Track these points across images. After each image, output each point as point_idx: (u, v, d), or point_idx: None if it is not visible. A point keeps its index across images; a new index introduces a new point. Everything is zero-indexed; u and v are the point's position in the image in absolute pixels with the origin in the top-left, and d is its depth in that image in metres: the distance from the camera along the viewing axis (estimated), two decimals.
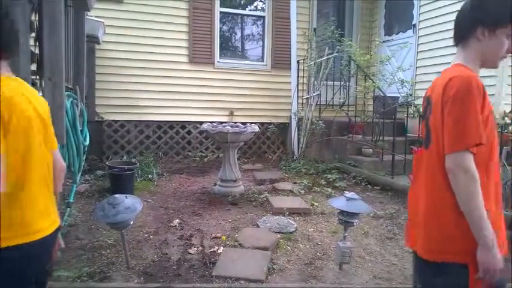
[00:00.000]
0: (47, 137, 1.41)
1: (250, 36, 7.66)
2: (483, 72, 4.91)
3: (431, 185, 1.47)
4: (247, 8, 7.83)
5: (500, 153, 4.27)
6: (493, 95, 5.32)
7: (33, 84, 2.61)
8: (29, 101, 1.31)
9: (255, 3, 7.85)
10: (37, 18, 2.75)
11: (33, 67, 2.65)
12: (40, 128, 1.35)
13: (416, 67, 6.72)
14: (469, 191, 1.30)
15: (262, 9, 7.49)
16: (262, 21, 7.41)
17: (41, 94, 2.66)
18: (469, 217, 1.31)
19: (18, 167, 1.24)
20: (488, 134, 1.36)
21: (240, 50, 7.68)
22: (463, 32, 1.48)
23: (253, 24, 7.61)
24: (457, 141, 1.32)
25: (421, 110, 5.86)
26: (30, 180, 1.29)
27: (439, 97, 1.40)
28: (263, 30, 7.38)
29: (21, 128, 1.24)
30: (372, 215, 4.18)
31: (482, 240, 1.30)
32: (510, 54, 1.49)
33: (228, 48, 7.46)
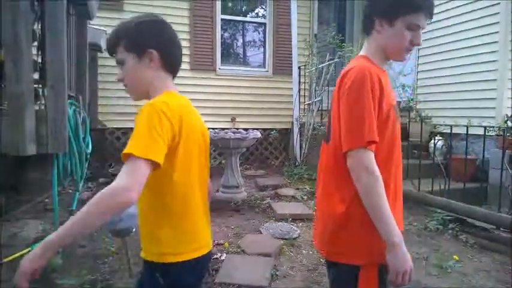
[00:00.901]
0: (206, 158, 1.41)
1: (252, 42, 7.69)
2: (484, 76, 4.91)
3: (327, 182, 1.41)
4: (248, 15, 7.87)
5: (503, 157, 4.25)
6: (494, 98, 5.31)
7: (36, 93, 2.63)
8: (197, 118, 1.34)
9: (256, 10, 7.89)
10: (39, 27, 2.78)
11: (36, 75, 2.67)
12: (202, 148, 1.36)
13: (418, 72, 6.73)
14: (372, 190, 1.23)
15: (263, 16, 7.53)
16: (263, 27, 7.45)
17: (43, 102, 2.69)
18: (374, 217, 1.25)
19: (185, 182, 1.27)
20: (388, 130, 1.33)
21: (242, 56, 7.71)
22: (365, 25, 1.45)
23: (254, 31, 7.65)
24: (354, 138, 1.26)
25: (423, 114, 5.90)
26: (196, 196, 1.32)
27: (337, 89, 1.37)
28: (264, 37, 7.41)
29: (190, 144, 1.26)
30: None
31: (389, 240, 1.24)
32: (417, 46, 1.46)
33: (229, 55, 7.49)
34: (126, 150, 1.09)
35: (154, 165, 1.10)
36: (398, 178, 1.41)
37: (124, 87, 1.33)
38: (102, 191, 1.06)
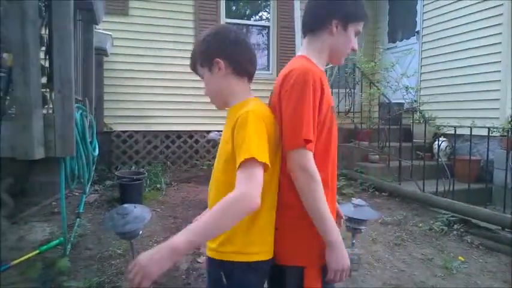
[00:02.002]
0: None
1: (256, 46, 7.72)
2: (488, 77, 4.91)
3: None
4: (252, 19, 7.91)
5: (507, 158, 4.25)
6: (498, 99, 5.31)
7: (44, 97, 2.67)
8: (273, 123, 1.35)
9: (260, 14, 7.93)
10: (47, 33, 2.82)
11: (44, 80, 2.71)
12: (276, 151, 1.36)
13: (421, 73, 6.73)
14: (310, 190, 1.23)
15: (267, 19, 7.56)
16: (267, 31, 7.48)
17: (51, 106, 2.73)
18: (313, 216, 1.25)
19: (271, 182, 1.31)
20: (325, 130, 1.34)
21: None
22: (314, 24, 1.42)
23: (258, 34, 7.69)
24: (293, 138, 1.25)
25: (426, 115, 5.89)
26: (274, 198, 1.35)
27: (277, 89, 1.36)
28: (268, 40, 7.45)
29: (273, 147, 1.29)
30: (379, 221, 4.16)
31: (327, 238, 1.26)
32: (353, 51, 1.45)
33: (222, 53, 7.51)
34: (243, 156, 1.14)
35: (266, 168, 1.18)
36: (334, 176, 1.42)
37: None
38: (229, 197, 1.11)
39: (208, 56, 1.35)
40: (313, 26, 1.43)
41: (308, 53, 1.43)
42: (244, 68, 1.38)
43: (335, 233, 1.27)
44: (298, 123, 1.25)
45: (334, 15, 1.37)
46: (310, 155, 1.25)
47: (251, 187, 1.11)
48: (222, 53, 1.34)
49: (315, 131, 1.28)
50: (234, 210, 1.10)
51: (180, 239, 1.09)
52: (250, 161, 1.13)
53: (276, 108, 1.35)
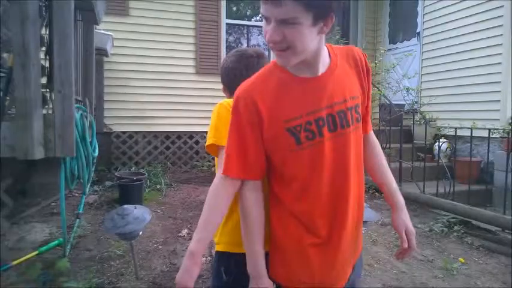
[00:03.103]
0: None
1: (256, 46, 7.72)
2: (488, 78, 4.89)
3: None
4: (252, 19, 7.91)
5: (508, 160, 4.24)
6: (498, 101, 5.30)
7: (44, 97, 2.66)
8: None
9: (261, 14, 7.93)
10: (47, 33, 2.82)
11: (44, 80, 2.71)
12: None
13: (422, 74, 6.73)
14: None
15: None
16: None
17: (51, 107, 2.73)
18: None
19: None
20: (278, 157, 1.17)
21: None
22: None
23: (258, 35, 7.69)
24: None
25: (427, 116, 5.88)
26: None
27: None
28: None
29: None
30: (380, 222, 4.16)
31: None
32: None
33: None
34: (206, 143, 1.34)
35: None
36: (320, 218, 1.18)
37: None
38: (212, 185, 1.23)
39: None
40: None
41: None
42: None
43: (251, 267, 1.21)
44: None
45: (330, 13, 1.07)
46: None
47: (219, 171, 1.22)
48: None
49: (245, 161, 1.16)
50: (209, 195, 1.22)
51: (191, 242, 1.19)
52: (217, 147, 1.30)
53: None
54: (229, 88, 1.48)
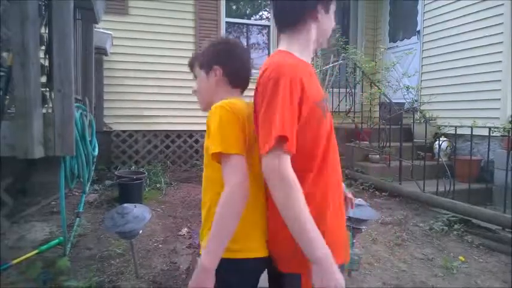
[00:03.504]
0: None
1: (256, 45, 7.72)
2: (489, 76, 4.88)
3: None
4: (252, 18, 7.90)
5: (508, 158, 4.24)
6: (498, 99, 5.30)
7: (44, 97, 2.66)
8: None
9: (260, 13, 7.92)
10: (47, 32, 2.81)
11: (43, 79, 2.70)
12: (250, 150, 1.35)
13: (422, 73, 6.73)
14: (290, 201, 1.10)
15: (267, 19, 7.56)
16: (267, 30, 7.48)
17: (51, 106, 2.72)
18: (293, 231, 1.12)
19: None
20: (311, 132, 1.21)
21: None
22: (296, 17, 1.31)
23: (258, 34, 7.68)
24: (266, 139, 1.12)
25: (427, 115, 5.89)
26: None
27: (256, 88, 1.29)
28: (268, 39, 7.44)
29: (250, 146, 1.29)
30: (380, 221, 4.16)
31: (313, 256, 1.10)
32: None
33: (222, 63, 7.51)
34: (211, 150, 1.23)
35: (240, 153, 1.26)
36: (333, 187, 1.28)
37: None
38: (222, 196, 1.18)
39: (209, 62, 1.48)
40: (295, 19, 1.31)
41: (290, 47, 1.32)
42: (238, 81, 1.52)
43: (320, 246, 1.10)
44: (270, 121, 1.13)
45: (318, 1, 1.30)
46: (287, 158, 1.12)
47: (235, 177, 1.17)
48: (221, 63, 1.47)
49: (292, 129, 1.13)
50: (230, 206, 1.16)
51: (202, 257, 1.17)
52: (223, 155, 1.20)
53: (256, 109, 1.27)
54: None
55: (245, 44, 7.66)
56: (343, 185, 1.43)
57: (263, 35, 7.61)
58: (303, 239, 1.11)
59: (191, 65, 1.56)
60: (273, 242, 1.29)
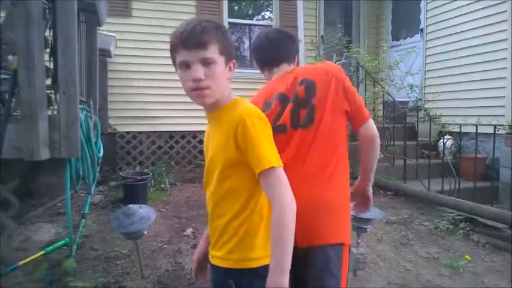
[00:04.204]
0: None
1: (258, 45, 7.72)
2: (493, 74, 4.85)
3: (321, 166, 1.55)
4: (254, 18, 7.91)
5: None
6: (503, 97, 5.27)
7: (49, 99, 2.68)
8: None
9: (263, 13, 7.92)
10: (51, 34, 2.83)
11: (48, 81, 2.72)
12: None
13: (425, 71, 6.70)
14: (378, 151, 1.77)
15: (270, 19, 7.56)
16: None
17: (56, 108, 2.74)
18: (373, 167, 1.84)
19: None
20: None
21: (249, 59, 7.74)
22: (292, 55, 1.79)
23: None
24: (366, 111, 1.65)
25: (431, 113, 5.87)
26: None
27: (329, 78, 1.60)
28: None
29: None
30: (385, 220, 4.15)
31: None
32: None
33: (236, 57, 7.52)
34: (262, 166, 1.15)
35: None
36: None
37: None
38: (280, 212, 1.13)
39: (232, 51, 1.31)
40: (292, 56, 1.79)
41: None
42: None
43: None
44: (361, 101, 1.66)
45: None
46: None
47: (286, 193, 1.15)
48: (234, 57, 1.35)
49: None
50: (289, 222, 1.12)
51: (278, 279, 1.10)
52: (272, 169, 1.15)
53: (346, 85, 1.62)
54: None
55: (248, 44, 7.68)
56: (368, 184, 1.92)
57: None
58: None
59: (205, 40, 1.20)
60: (328, 219, 1.51)
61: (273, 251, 1.13)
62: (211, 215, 1.34)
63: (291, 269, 1.14)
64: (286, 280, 1.10)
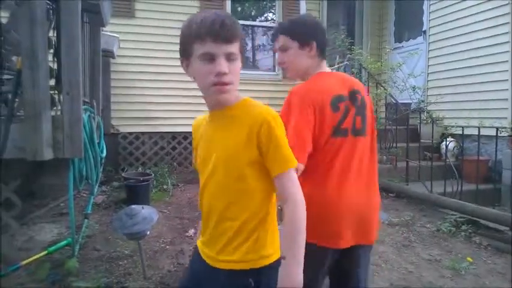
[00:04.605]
0: None
1: (261, 46, 7.73)
2: (496, 76, 4.83)
3: (372, 174, 1.68)
4: (257, 19, 7.92)
5: None
6: (506, 99, 5.27)
7: (52, 99, 2.69)
8: None
9: (266, 14, 7.94)
10: (55, 35, 2.85)
11: (52, 82, 2.73)
12: None
13: (428, 73, 6.70)
14: None
15: (273, 20, 7.57)
16: (272, 32, 7.48)
17: (59, 108, 2.75)
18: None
19: None
20: None
21: (252, 60, 7.75)
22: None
23: (263, 35, 7.69)
24: None
25: (434, 115, 5.86)
26: None
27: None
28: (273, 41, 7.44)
29: None
30: (387, 222, 4.15)
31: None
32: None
33: None
34: (287, 166, 1.19)
35: None
36: None
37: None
38: (294, 209, 1.17)
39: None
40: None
41: None
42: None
43: None
44: None
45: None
46: None
47: (299, 191, 1.19)
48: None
49: None
50: (303, 217, 1.18)
51: (295, 270, 1.15)
52: (292, 169, 1.19)
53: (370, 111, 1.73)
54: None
55: (250, 45, 7.69)
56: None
57: (268, 37, 7.61)
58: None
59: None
60: (372, 218, 1.63)
61: (288, 245, 1.18)
62: (218, 217, 1.25)
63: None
64: (301, 271, 1.15)
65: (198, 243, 1.37)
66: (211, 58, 1.15)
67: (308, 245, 1.19)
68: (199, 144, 1.36)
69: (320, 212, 1.49)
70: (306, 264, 1.17)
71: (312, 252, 1.26)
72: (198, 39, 1.15)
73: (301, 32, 1.65)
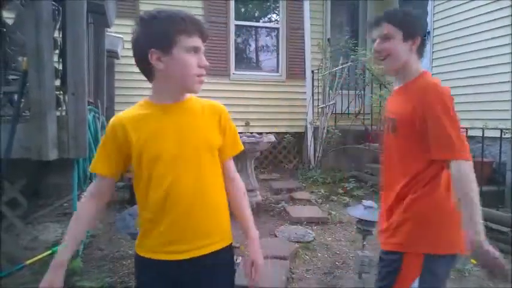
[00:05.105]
0: None
1: (265, 47, 7.74)
2: (500, 77, 4.79)
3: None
4: (261, 20, 7.93)
5: None
6: (509, 101, 5.24)
7: (58, 99, 2.71)
8: None
9: (269, 15, 7.95)
10: (60, 36, 2.87)
11: (57, 82, 2.75)
12: None
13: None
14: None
15: (276, 21, 7.58)
16: (276, 32, 7.49)
17: (64, 109, 2.77)
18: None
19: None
20: None
21: (255, 61, 7.76)
22: None
23: (267, 36, 7.70)
24: (460, 150, 1.69)
25: None
26: None
27: (417, 95, 1.66)
28: (277, 42, 7.46)
29: None
30: None
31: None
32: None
33: (243, 60, 7.55)
34: (239, 149, 1.49)
35: None
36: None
37: None
38: (243, 188, 1.55)
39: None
40: None
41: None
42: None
43: None
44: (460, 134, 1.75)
45: None
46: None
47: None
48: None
49: None
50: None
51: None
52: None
53: (407, 106, 1.64)
54: None
55: (254, 46, 7.70)
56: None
57: (272, 37, 7.63)
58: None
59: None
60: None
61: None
62: (189, 205, 1.29)
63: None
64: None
65: (149, 248, 1.35)
66: (195, 51, 1.25)
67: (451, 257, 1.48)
68: (146, 141, 1.32)
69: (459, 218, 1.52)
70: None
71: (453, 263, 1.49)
72: (185, 33, 1.22)
73: (408, 24, 1.61)
